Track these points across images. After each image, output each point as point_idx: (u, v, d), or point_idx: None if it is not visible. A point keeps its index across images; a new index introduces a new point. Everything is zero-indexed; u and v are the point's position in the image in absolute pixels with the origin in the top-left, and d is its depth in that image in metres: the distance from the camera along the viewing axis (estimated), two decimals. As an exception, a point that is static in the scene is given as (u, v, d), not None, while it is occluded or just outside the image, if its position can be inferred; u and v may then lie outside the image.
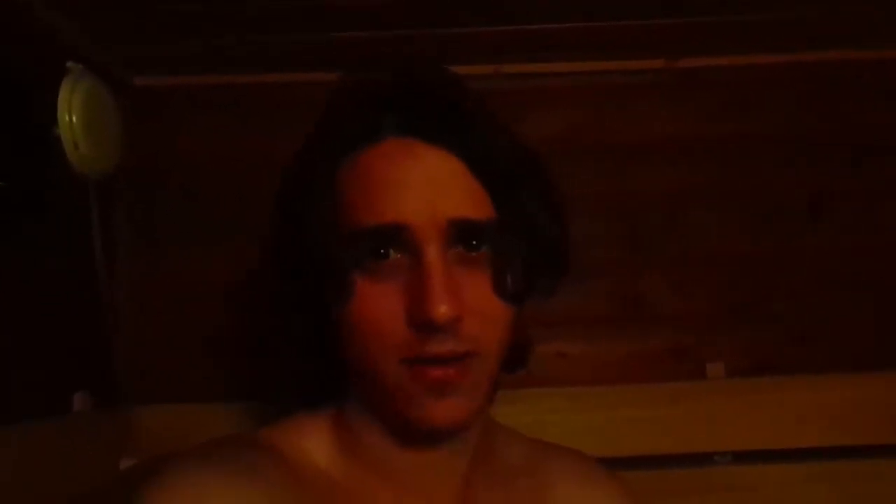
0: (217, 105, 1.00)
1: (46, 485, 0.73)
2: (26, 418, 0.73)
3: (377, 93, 0.56)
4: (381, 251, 0.53)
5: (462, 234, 0.53)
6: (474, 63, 0.98)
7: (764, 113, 1.03)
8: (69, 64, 0.82)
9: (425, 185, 0.53)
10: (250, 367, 0.96)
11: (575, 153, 1.01)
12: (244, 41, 0.91)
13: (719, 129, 1.03)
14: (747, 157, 1.03)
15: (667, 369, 1.00)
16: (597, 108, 1.03)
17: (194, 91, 1.00)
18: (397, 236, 0.52)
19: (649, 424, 0.95)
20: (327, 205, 0.54)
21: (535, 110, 1.01)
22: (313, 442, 0.59)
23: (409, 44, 0.91)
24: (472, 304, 0.53)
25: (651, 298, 1.01)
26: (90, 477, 0.82)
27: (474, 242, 0.54)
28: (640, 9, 0.88)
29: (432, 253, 0.52)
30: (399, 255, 0.53)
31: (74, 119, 0.81)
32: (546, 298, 0.60)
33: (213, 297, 0.97)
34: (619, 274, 1.01)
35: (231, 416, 0.90)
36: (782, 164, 1.03)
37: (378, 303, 0.53)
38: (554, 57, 1.00)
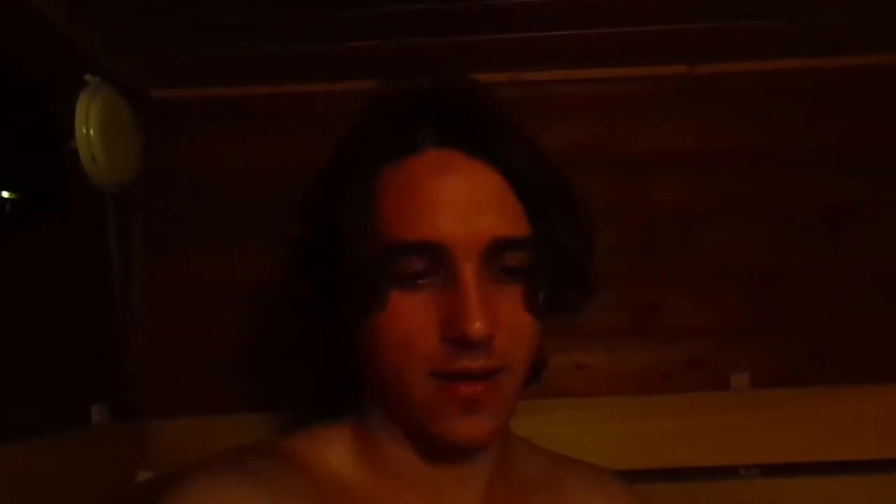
0: (233, 116, 1.01)
1: (64, 496, 0.73)
2: (46, 430, 0.74)
3: (417, 103, 0.56)
4: (418, 265, 0.53)
5: (499, 251, 0.53)
6: (491, 71, 0.97)
7: (783, 122, 1.01)
8: (87, 77, 0.82)
9: (465, 202, 0.53)
10: (268, 378, 0.96)
11: (592, 162, 1.01)
12: (259, 52, 0.92)
13: (738, 139, 1.01)
14: (766, 168, 1.01)
15: (687, 381, 0.99)
16: (614, 115, 1.02)
17: (211, 102, 1.00)
18: (436, 253, 0.52)
19: (672, 436, 0.93)
20: (365, 214, 0.54)
21: (552, 118, 1.01)
22: (334, 452, 0.59)
23: (424, 52, 0.91)
24: (504, 320, 0.53)
25: (669, 310, 1.00)
26: (107, 489, 0.82)
27: (511, 261, 0.54)
28: (659, 15, 0.87)
29: (469, 270, 0.52)
30: (435, 270, 0.53)
31: (92, 132, 0.81)
32: (574, 316, 0.60)
33: (229, 309, 0.97)
34: (636, 285, 1.00)
35: (248, 429, 0.90)
36: (802, 174, 1.01)
37: (411, 315, 0.53)
38: (571, 64, 0.99)
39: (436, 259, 0.53)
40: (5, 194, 0.68)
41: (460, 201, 0.53)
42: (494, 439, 0.57)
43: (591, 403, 0.95)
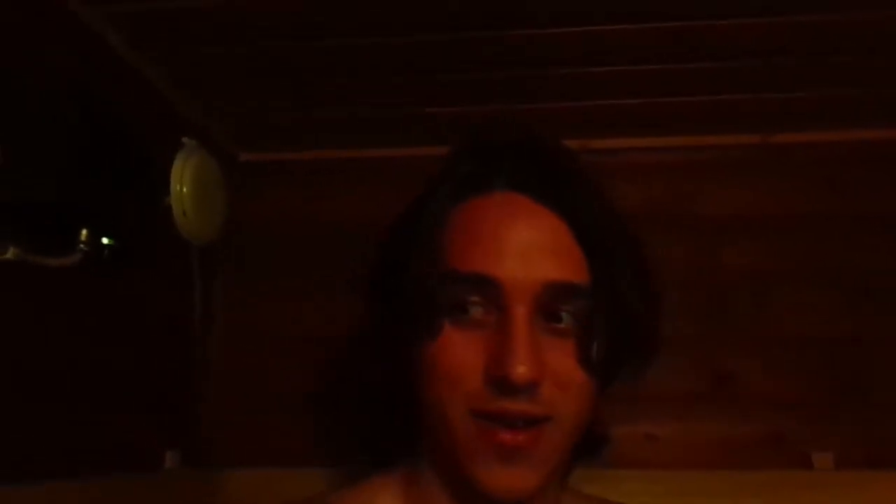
0: (312, 177, 1.06)
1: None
2: (121, 470, 0.76)
3: (492, 149, 0.59)
4: (472, 298, 0.54)
5: (554, 297, 0.54)
6: (562, 137, 0.98)
7: (862, 190, 0.99)
8: (185, 139, 0.89)
9: (526, 244, 0.54)
10: (337, 432, 0.96)
11: (664, 225, 1.00)
12: (339, 117, 0.97)
13: (813, 205, 0.99)
14: (844, 236, 0.98)
15: (764, 457, 0.94)
16: (687, 181, 1.02)
17: (290, 165, 1.06)
18: (490, 289, 0.53)
19: (748, 516, 0.88)
20: (430, 246, 0.56)
21: (623, 182, 1.01)
22: (381, 502, 0.59)
23: (497, 118, 0.94)
24: (553, 369, 0.53)
25: (745, 379, 0.96)
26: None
27: (566, 308, 0.54)
28: (734, 85, 0.88)
29: (521, 313, 0.53)
30: (489, 309, 0.54)
31: (185, 189, 0.87)
32: (633, 380, 0.59)
33: (301, 361, 0.99)
34: (710, 352, 0.97)
35: (315, 482, 0.90)
36: (882, 242, 0.97)
37: (460, 350, 0.53)
38: (644, 132, 1.00)
39: (490, 297, 0.53)
40: (105, 241, 0.73)
41: (521, 243, 0.54)
42: (536, 494, 0.55)
43: (662, 476, 0.91)
